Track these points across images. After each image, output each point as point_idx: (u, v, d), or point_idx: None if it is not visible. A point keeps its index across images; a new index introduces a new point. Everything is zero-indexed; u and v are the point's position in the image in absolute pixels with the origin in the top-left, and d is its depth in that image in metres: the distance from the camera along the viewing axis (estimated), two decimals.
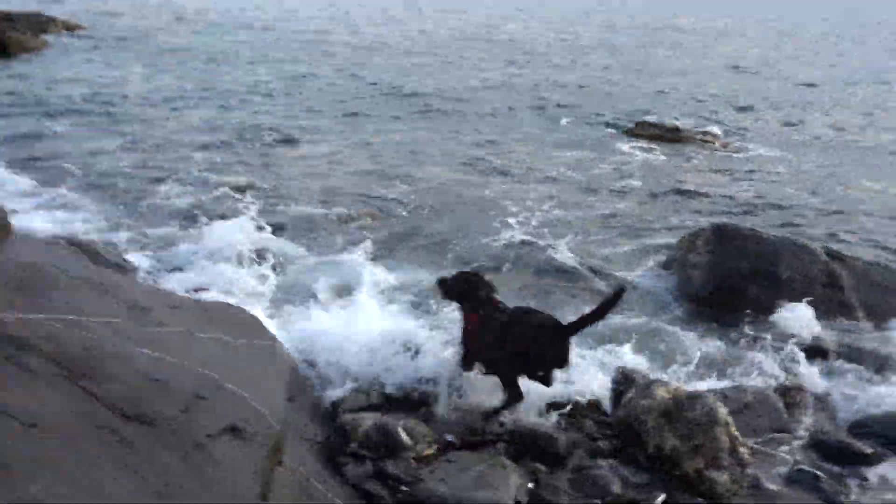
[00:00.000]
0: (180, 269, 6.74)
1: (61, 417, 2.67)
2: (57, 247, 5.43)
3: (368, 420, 4.06)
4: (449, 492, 3.55)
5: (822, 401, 4.88)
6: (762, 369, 5.28)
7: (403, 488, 3.64)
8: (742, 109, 18.37)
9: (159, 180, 9.87)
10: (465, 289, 4.65)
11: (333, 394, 4.58)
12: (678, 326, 6.22)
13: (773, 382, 5.02)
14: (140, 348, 3.33)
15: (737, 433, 3.97)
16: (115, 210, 8.54)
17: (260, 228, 7.96)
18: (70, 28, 29.16)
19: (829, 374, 5.19)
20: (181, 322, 3.90)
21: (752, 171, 12.35)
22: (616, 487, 3.79)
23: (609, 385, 4.90)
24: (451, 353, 4.78)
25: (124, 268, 6.27)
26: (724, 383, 4.92)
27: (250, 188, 9.66)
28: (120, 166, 10.56)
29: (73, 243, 6.56)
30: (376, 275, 6.80)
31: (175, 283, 6.26)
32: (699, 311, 6.55)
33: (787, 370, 5.31)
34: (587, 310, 4.45)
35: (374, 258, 7.27)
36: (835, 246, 7.45)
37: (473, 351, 4.57)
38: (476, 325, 4.52)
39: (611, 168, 12.03)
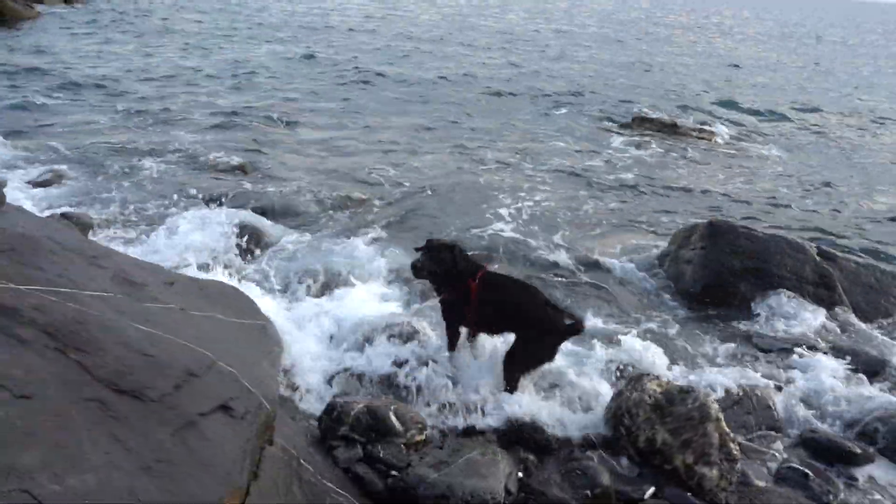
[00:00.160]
0: (169, 247, 6.68)
1: (53, 389, 2.64)
2: (50, 219, 5.37)
3: (359, 404, 4.04)
4: (439, 478, 3.55)
5: (812, 399, 4.90)
6: (753, 366, 5.31)
7: (393, 473, 3.64)
8: (741, 107, 18.33)
9: (150, 156, 9.82)
10: (449, 261, 4.60)
11: (325, 376, 4.57)
12: (670, 322, 6.22)
13: (763, 379, 5.02)
14: (134, 323, 3.29)
15: (727, 429, 3.98)
16: (105, 185, 8.48)
17: (251, 210, 7.91)
18: (67, 0, 28.87)
19: (819, 372, 5.18)
20: (175, 299, 3.86)
21: (748, 169, 12.34)
22: (605, 479, 3.81)
23: (600, 377, 4.92)
24: (439, 336, 4.79)
25: (115, 243, 6.21)
26: (715, 379, 4.92)
27: (243, 169, 9.60)
28: (111, 142, 10.48)
29: (66, 216, 6.53)
30: (368, 259, 6.78)
31: (165, 261, 6.21)
32: (691, 307, 6.55)
33: (777, 367, 5.33)
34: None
35: (366, 243, 7.23)
36: (828, 246, 7.45)
37: (477, 319, 4.61)
38: (479, 292, 4.52)
39: (605, 161, 11.99)
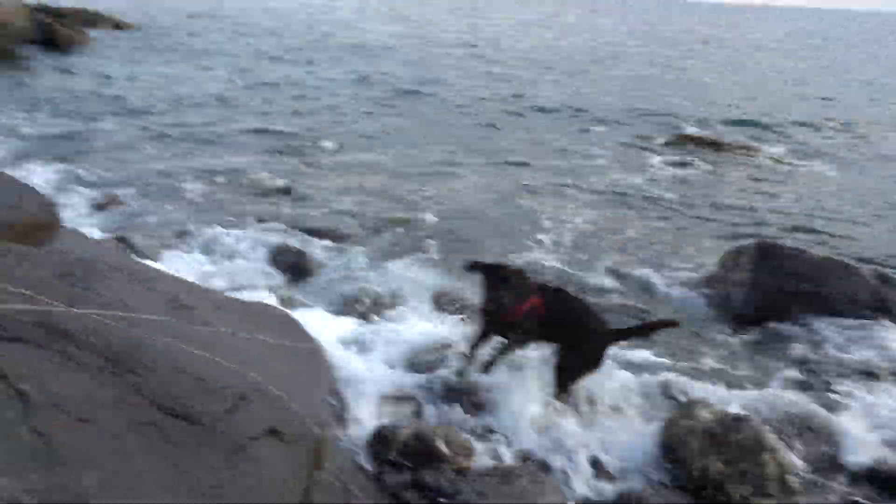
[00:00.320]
0: (218, 270, 6.79)
1: (110, 412, 2.67)
2: (104, 242, 5.50)
3: (407, 428, 4.02)
4: None
5: (876, 429, 4.69)
6: (810, 393, 5.13)
7: (442, 500, 3.60)
8: (787, 122, 17.85)
9: (198, 178, 10.02)
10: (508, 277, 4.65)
11: (372, 400, 4.55)
12: (720, 346, 6.08)
13: (822, 408, 4.84)
14: (185, 346, 3.32)
15: (785, 460, 3.86)
16: (155, 208, 8.67)
17: (297, 231, 8.01)
18: (119, 25, 29.89)
19: (882, 400, 4.99)
20: (224, 321, 3.90)
21: (798, 187, 12.00)
22: None
23: (649, 403, 4.83)
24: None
25: (166, 265, 6.32)
26: (771, 406, 4.76)
27: (288, 191, 9.73)
28: (161, 165, 10.74)
29: (120, 239, 6.68)
30: (413, 281, 6.79)
31: (214, 283, 6.31)
32: (742, 331, 6.39)
33: (837, 394, 5.15)
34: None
35: (410, 264, 7.25)
36: (885, 268, 7.21)
37: (534, 332, 4.70)
38: (540, 307, 4.61)
39: (648, 181, 11.84)
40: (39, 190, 5.90)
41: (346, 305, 6.05)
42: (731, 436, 4.02)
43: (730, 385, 5.21)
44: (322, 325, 5.42)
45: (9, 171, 8.07)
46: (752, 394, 5.04)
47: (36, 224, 4.76)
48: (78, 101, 15.48)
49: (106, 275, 3.86)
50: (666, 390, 5.03)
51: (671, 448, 4.14)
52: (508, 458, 4.14)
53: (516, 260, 7.66)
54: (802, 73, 31.19)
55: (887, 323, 6.25)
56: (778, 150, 15.02)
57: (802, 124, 17.80)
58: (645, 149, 14.46)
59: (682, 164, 13.07)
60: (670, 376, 5.27)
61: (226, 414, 3.00)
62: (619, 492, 3.89)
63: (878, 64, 39.80)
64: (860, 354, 5.80)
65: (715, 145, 14.46)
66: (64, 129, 12.77)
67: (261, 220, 8.29)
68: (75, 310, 3.26)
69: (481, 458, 4.07)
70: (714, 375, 5.41)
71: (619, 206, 10.22)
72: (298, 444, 3.11)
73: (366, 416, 4.34)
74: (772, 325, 6.41)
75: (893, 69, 36.73)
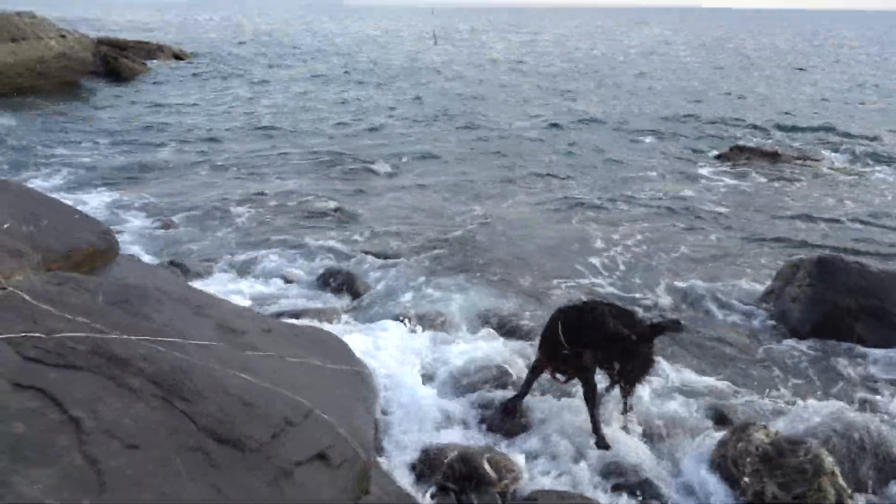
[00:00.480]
0: (268, 293, 6.91)
1: (158, 438, 2.74)
2: (159, 267, 5.66)
3: (453, 451, 4.02)
4: None
5: None
6: (872, 414, 4.93)
7: None
8: (844, 132, 17.23)
9: (250, 203, 10.25)
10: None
11: (420, 422, 4.56)
12: (777, 364, 5.90)
13: (884, 428, 4.64)
14: (234, 371, 3.39)
15: (844, 484, 3.71)
16: (208, 233, 8.90)
17: (346, 253, 8.11)
18: (178, 56, 30.93)
19: None
20: (273, 346, 3.96)
21: (860, 198, 11.58)
22: None
23: (703, 424, 4.72)
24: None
25: (218, 289, 6.47)
26: (829, 428, 4.58)
27: (340, 213, 9.85)
28: (214, 190, 11.04)
29: (174, 263, 6.87)
30: (461, 303, 6.78)
31: (264, 306, 6.43)
32: (800, 348, 6.19)
33: None
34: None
35: (458, 287, 7.21)
36: None
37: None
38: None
39: (701, 194, 11.62)
40: (98, 217, 6.14)
41: (396, 326, 6.06)
42: (787, 458, 3.90)
43: (785, 406, 5.06)
44: (371, 347, 5.48)
45: (69, 200, 8.45)
46: (808, 415, 4.87)
47: (94, 252, 4.95)
48: (135, 129, 16.07)
49: (159, 300, 3.98)
50: (719, 411, 4.91)
51: (725, 470, 4.03)
52: (555, 480, 4.09)
53: (568, 281, 7.59)
54: (854, 78, 30.26)
55: None
56: (838, 159, 14.57)
57: (862, 133, 17.20)
58: (697, 161, 14.22)
59: (737, 176, 12.79)
60: (724, 397, 5.16)
61: (272, 439, 3.05)
62: None
63: None
64: None
65: (771, 156, 14.07)
66: (121, 157, 13.26)
67: (311, 243, 8.44)
68: (129, 336, 3.37)
69: (527, 479, 4.03)
70: (769, 395, 5.25)
71: (671, 221, 10.04)
72: (345, 468, 3.13)
73: (413, 439, 4.35)
74: (831, 342, 6.20)
75: None
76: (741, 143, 15.39)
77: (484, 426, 4.59)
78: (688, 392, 5.20)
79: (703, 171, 13.26)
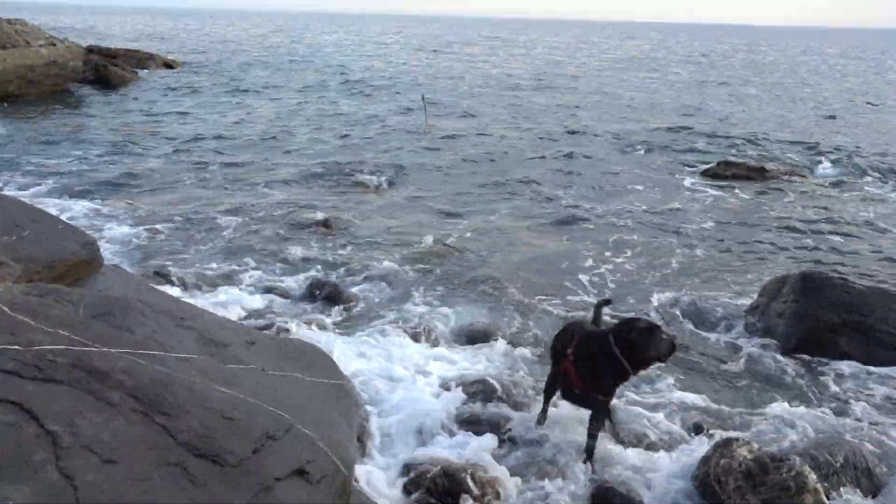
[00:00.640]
0: (253, 304, 6.86)
1: (137, 453, 2.72)
2: (143, 278, 5.63)
3: (436, 466, 4.00)
4: None
5: None
6: (855, 430, 4.95)
7: None
8: (834, 149, 17.28)
9: (238, 213, 10.21)
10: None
11: (402, 437, 4.54)
12: (760, 380, 5.92)
13: (868, 445, 4.66)
14: (216, 385, 3.37)
15: (827, 501, 3.72)
16: (194, 243, 8.85)
17: (332, 265, 8.09)
18: (168, 65, 30.93)
19: None
20: (256, 358, 3.94)
21: (844, 212, 11.63)
22: None
23: (685, 440, 4.72)
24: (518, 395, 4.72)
25: (203, 300, 6.44)
26: (813, 444, 4.60)
27: (327, 225, 9.81)
28: (202, 200, 10.99)
29: (160, 274, 6.83)
30: (447, 316, 6.77)
31: (248, 318, 6.40)
32: (784, 364, 6.20)
33: (882, 434, 4.95)
34: None
35: (443, 301, 7.16)
36: None
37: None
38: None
39: (689, 209, 11.66)
40: (83, 226, 6.10)
41: (381, 339, 6.04)
42: (770, 475, 3.90)
43: (769, 421, 5.06)
44: (355, 360, 5.46)
45: (54, 208, 8.40)
46: (792, 431, 4.89)
47: (79, 263, 4.92)
48: (124, 138, 16.00)
49: (142, 312, 3.95)
50: (702, 427, 4.92)
51: (708, 487, 4.03)
52: (543, 496, 4.07)
53: (555, 298, 7.58)
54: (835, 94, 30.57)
55: None
56: (825, 174, 14.68)
57: (850, 148, 17.30)
58: (685, 175, 14.29)
59: (724, 191, 12.87)
60: (708, 412, 5.16)
61: (253, 454, 3.03)
62: None
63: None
64: None
65: (758, 170, 14.15)
66: (109, 166, 13.20)
67: (298, 254, 8.42)
68: (109, 349, 3.34)
69: (511, 495, 4.01)
70: (752, 412, 5.26)
71: (658, 235, 10.07)
72: (325, 483, 3.12)
73: (396, 453, 4.33)
74: (815, 357, 6.22)
75: None
76: (729, 157, 15.48)
77: (470, 440, 4.58)
78: (672, 407, 5.21)
79: (691, 185, 13.33)
